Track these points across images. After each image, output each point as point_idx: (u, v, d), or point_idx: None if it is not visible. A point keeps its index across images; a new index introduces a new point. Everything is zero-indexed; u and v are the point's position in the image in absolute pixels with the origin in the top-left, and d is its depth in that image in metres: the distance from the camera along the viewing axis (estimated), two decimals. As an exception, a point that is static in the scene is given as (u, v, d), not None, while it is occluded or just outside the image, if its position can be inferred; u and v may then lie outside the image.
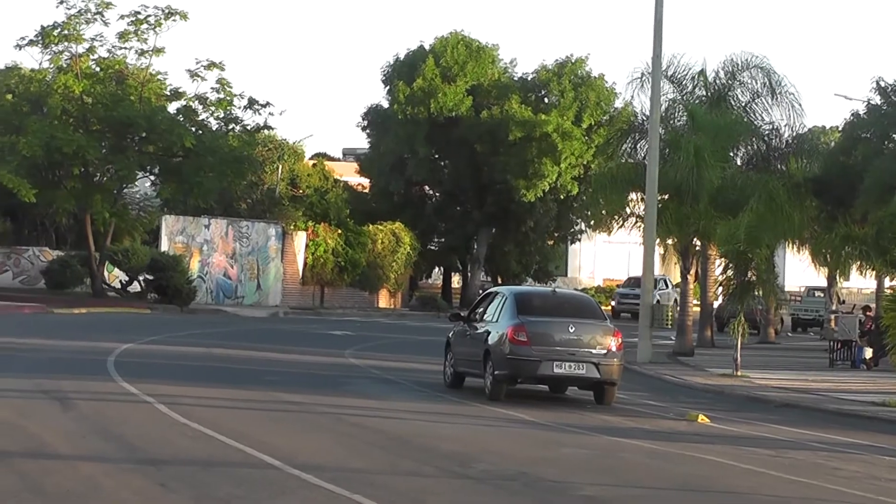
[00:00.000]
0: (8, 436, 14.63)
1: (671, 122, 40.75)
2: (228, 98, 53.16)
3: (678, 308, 44.64)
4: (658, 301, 57.29)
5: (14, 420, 15.86)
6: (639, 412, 22.17)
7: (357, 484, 12.23)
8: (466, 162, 66.65)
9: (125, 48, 51.82)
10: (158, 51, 52.06)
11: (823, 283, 62.72)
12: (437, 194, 70.21)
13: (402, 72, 68.01)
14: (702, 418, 21.13)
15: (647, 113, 37.65)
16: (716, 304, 45.04)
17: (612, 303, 65.13)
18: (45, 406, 17.33)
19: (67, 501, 10.98)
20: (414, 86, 66.15)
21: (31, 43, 51.23)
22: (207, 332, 36.17)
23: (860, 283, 66.93)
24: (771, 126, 43.29)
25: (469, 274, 69.99)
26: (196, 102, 53.38)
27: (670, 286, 63.18)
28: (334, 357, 30.30)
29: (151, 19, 51.29)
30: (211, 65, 52.62)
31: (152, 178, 55.67)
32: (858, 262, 45.02)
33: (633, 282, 60.10)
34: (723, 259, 42.97)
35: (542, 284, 63.72)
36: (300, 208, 60.92)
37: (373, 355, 31.61)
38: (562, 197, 67.55)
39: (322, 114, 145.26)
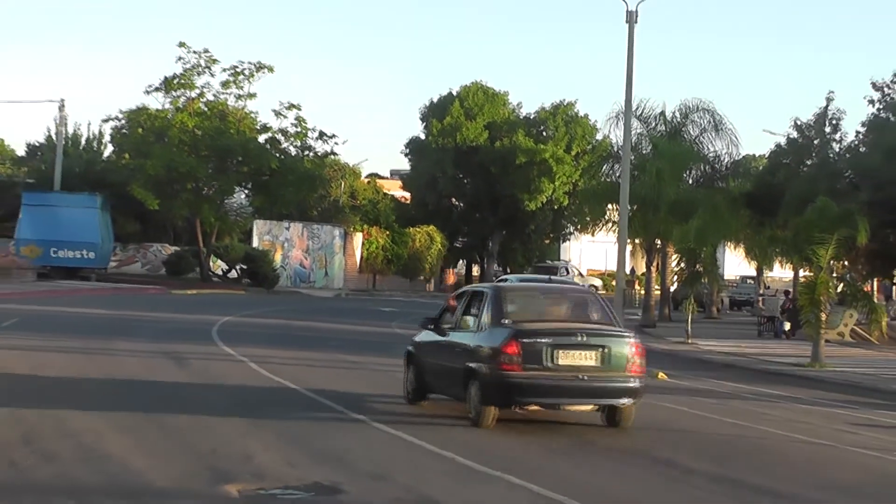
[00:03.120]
0: (138, 385, 14.76)
1: (639, 150, 40.59)
2: (304, 131, 53.28)
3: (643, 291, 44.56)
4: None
5: (142, 373, 15.95)
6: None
7: (399, 424, 12.22)
8: (483, 180, 66.58)
9: (226, 93, 52.13)
10: (251, 95, 52.43)
11: (753, 272, 62.52)
12: (461, 205, 70.24)
13: (434, 111, 68.05)
14: (662, 375, 21.03)
15: (621, 143, 37.46)
16: (672, 289, 44.91)
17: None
18: (165, 363, 17.43)
19: (182, 434, 11.01)
20: (444, 122, 66.14)
21: (156, 89, 51.57)
22: (287, 308, 36.24)
23: (781, 273, 66.63)
24: (714, 154, 43.13)
25: (485, 265, 69.93)
26: (279, 134, 53.50)
27: (571, 273, 58.73)
28: (383, 328, 30.30)
29: (246, 72, 51.60)
30: (290, 106, 52.87)
31: (246, 191, 55.79)
32: (780, 258, 44.76)
33: (535, 269, 56.97)
34: (677, 254, 42.85)
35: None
36: (357, 215, 61.01)
37: (413, 326, 31.52)
38: (556, 207, 67.46)
39: (375, 143, 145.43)
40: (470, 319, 13.53)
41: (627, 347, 12.86)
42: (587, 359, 12.54)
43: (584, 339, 12.65)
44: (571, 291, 16.25)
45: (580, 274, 61.96)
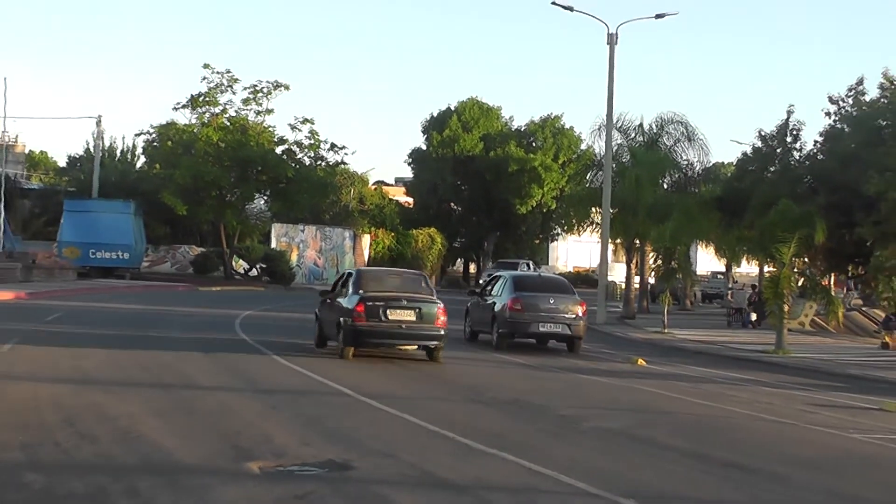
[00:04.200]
0: (168, 373, 14.74)
1: (619, 159, 40.55)
2: (316, 143, 53.18)
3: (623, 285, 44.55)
4: None
5: (172, 362, 15.96)
6: (598, 357, 22.11)
7: (403, 406, 12.22)
8: (479, 187, 66.47)
9: (247, 109, 52.04)
10: (269, 111, 52.36)
11: (723, 268, 62.61)
12: (459, 209, 70.10)
13: (434, 125, 67.97)
14: (640, 361, 21.07)
15: (603, 153, 37.49)
16: (650, 284, 44.93)
17: (480, 280, 56.95)
18: (192, 353, 17.42)
19: (208, 417, 11.01)
20: (443, 134, 66.06)
21: (184, 106, 51.57)
22: (303, 303, 36.14)
23: (748, 268, 66.65)
24: (687, 162, 43.14)
25: (481, 263, 69.83)
26: (295, 146, 53.37)
27: (533, 268, 57.11)
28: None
29: (265, 90, 51.56)
30: (304, 120, 52.81)
31: (265, 197, 55.79)
32: (747, 255, 44.92)
33: (498, 265, 56.30)
34: (655, 253, 42.92)
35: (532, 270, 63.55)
36: (365, 218, 60.92)
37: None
38: (545, 210, 67.37)
39: (381, 153, 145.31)
40: (344, 290, 18.04)
41: (436, 308, 17.43)
42: (408, 315, 17.21)
43: (406, 302, 17.24)
44: (408, 274, 20.17)
45: (538, 266, 60.81)
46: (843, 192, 33.72)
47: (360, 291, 17.31)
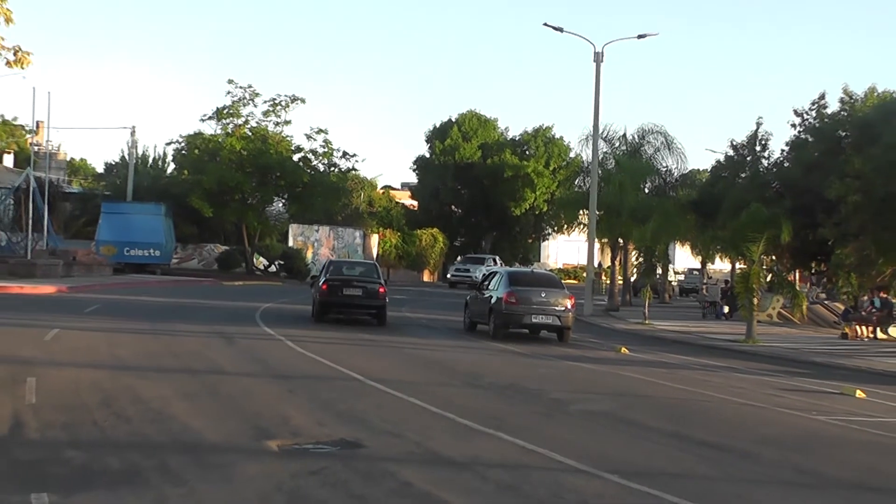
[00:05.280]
0: (196, 360, 14.71)
1: (605, 165, 40.52)
2: (330, 151, 52.94)
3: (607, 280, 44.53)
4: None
5: (199, 350, 15.95)
6: (585, 346, 22.08)
7: (408, 390, 12.21)
8: (478, 191, 66.50)
9: (267, 121, 51.77)
10: (287, 122, 52.05)
11: (698, 265, 62.52)
12: (460, 211, 70.09)
13: (437, 134, 68.01)
14: (624, 350, 21.04)
15: (590, 160, 37.42)
16: (632, 279, 44.89)
17: (448, 275, 56.67)
18: (217, 341, 17.41)
19: (232, 400, 11.00)
20: (445, 143, 66.13)
21: (209, 118, 51.37)
22: (318, 296, 36.19)
23: (721, 265, 66.67)
24: (666, 168, 43.04)
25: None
26: (310, 154, 53.13)
27: (500, 264, 56.56)
28: (396, 312, 30.23)
29: (283, 103, 51.33)
30: (319, 131, 52.54)
31: (283, 201, 55.65)
32: (720, 253, 44.84)
33: (465, 260, 56.43)
34: (637, 251, 42.86)
35: (525, 266, 63.55)
36: (374, 220, 60.92)
37: (419, 311, 31.63)
38: (537, 213, 67.38)
39: (388, 160, 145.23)
40: (319, 276, 24.03)
41: (378, 287, 22.86)
42: (357, 291, 22.79)
43: (357, 283, 22.97)
44: (363, 264, 27.11)
45: (502, 263, 59.72)
46: (807, 197, 33.68)
47: (327, 276, 23.12)
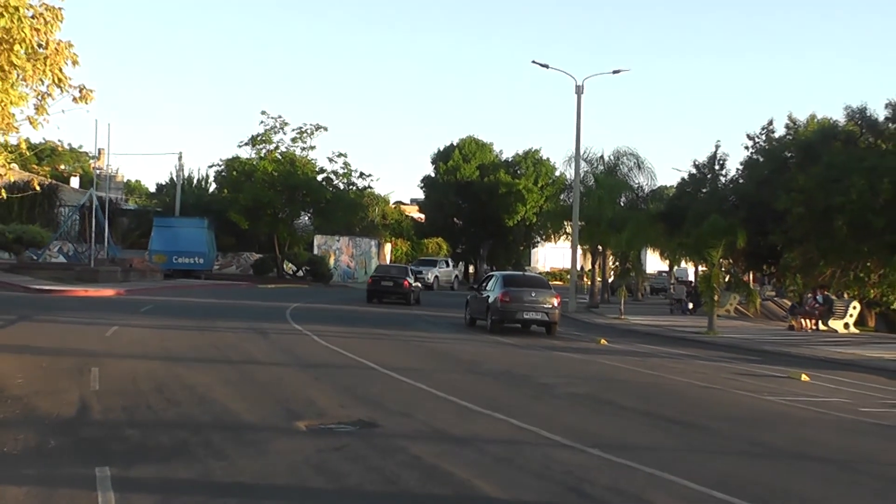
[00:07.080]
0: (234, 351, 14.71)
1: (586, 183, 40.54)
2: (349, 172, 52.86)
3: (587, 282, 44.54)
4: (437, 276, 52.07)
5: (237, 343, 15.95)
6: (570, 338, 22.07)
7: (417, 377, 12.21)
8: (476, 205, 66.42)
9: (295, 146, 51.63)
10: (312, 147, 52.02)
11: (666, 268, 62.45)
12: (461, 222, 70.00)
13: (441, 157, 67.93)
14: (603, 341, 21.05)
15: (573, 178, 37.46)
16: (609, 280, 44.85)
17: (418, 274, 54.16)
18: (253, 336, 17.42)
19: (266, 386, 11.00)
20: (448, 164, 66.07)
21: (245, 144, 51.25)
22: (339, 297, 36.33)
23: (686, 268, 66.50)
24: (638, 185, 43.06)
25: (478, 265, 69.81)
26: (332, 175, 53.15)
27: (451, 265, 56.49)
28: (406, 310, 30.32)
29: (308, 130, 51.29)
30: (339, 154, 52.50)
31: (309, 215, 55.66)
32: (685, 257, 44.80)
33: (419, 262, 54.81)
34: (613, 256, 42.85)
35: (518, 270, 63.41)
36: (387, 230, 60.88)
37: (426, 308, 31.62)
38: (527, 223, 67.21)
39: (400, 178, 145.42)
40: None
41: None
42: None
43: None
44: (397, 266, 29.82)
45: (451, 266, 58.28)
46: (759, 208, 33.69)
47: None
